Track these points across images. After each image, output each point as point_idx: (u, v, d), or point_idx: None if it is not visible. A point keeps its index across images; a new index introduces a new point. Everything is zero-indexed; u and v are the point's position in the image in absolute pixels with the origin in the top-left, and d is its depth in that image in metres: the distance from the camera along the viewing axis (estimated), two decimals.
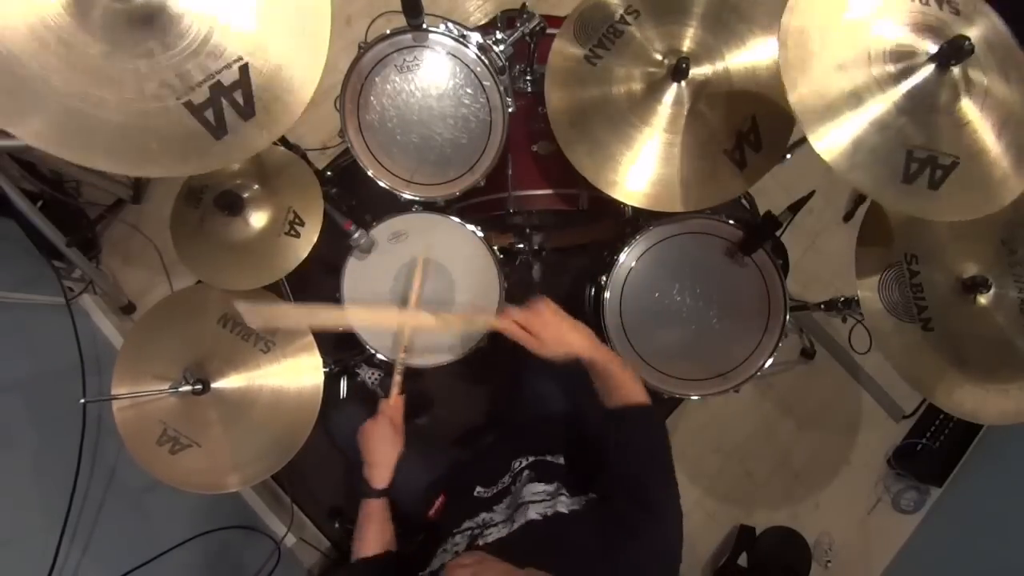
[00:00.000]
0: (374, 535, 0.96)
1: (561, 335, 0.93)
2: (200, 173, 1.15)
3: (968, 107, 0.89)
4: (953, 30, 0.88)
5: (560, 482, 0.91)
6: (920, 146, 0.88)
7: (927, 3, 0.90)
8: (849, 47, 0.88)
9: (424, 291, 1.26)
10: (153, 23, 0.79)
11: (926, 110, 0.88)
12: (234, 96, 0.82)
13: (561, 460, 0.99)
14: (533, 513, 0.85)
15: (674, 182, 1.08)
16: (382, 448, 1.00)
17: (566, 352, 0.93)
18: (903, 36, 0.89)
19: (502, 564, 0.68)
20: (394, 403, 1.07)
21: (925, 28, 0.89)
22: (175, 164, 0.83)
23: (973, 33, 0.87)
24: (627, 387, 0.91)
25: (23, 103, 0.76)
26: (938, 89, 0.88)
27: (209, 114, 0.82)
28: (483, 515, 0.92)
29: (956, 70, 0.87)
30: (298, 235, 1.15)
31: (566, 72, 1.10)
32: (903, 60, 0.88)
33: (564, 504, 0.86)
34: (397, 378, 1.11)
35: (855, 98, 0.87)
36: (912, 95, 0.88)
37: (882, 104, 0.88)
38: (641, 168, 1.08)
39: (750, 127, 1.07)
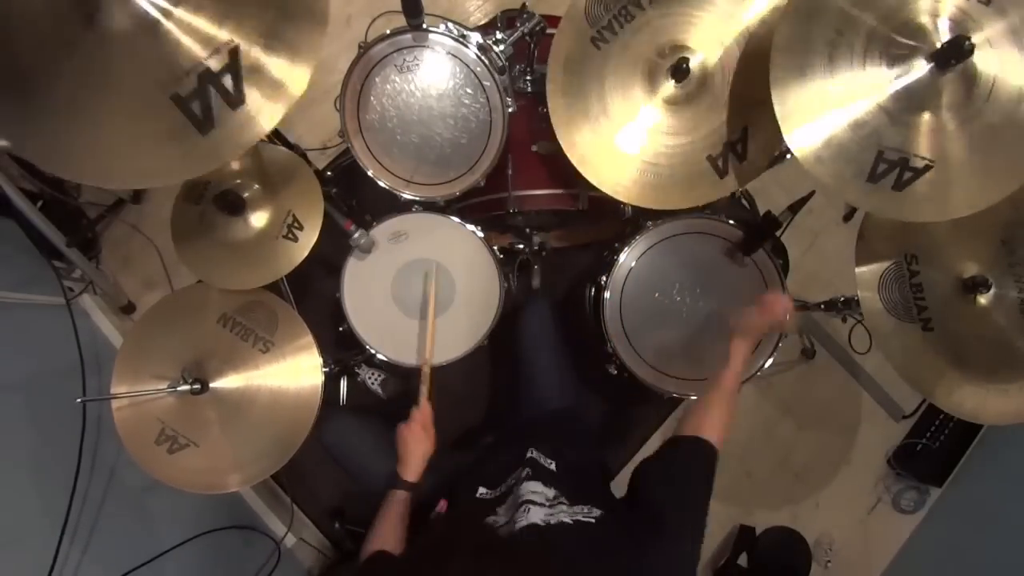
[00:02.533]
0: (393, 527, 0.98)
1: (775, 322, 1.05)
2: (189, 178, 1.12)
3: (961, 110, 0.88)
4: (977, 22, 0.86)
5: (557, 489, 0.90)
6: (894, 148, 0.87)
7: None
8: (846, 33, 0.88)
9: (425, 292, 1.27)
10: (145, 14, 0.78)
11: (913, 111, 0.87)
12: (223, 82, 0.79)
13: (553, 466, 0.99)
14: (535, 516, 0.83)
15: (656, 180, 1.08)
16: (414, 447, 1.06)
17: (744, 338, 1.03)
18: (912, 26, 0.87)
19: None
20: (423, 408, 1.11)
21: (945, 18, 0.87)
22: (163, 171, 0.80)
23: (1000, 27, 0.85)
24: (712, 420, 0.91)
25: (12, 107, 0.75)
26: (932, 90, 0.87)
27: (196, 106, 0.79)
28: (489, 519, 0.91)
29: (956, 71, 0.86)
30: (296, 239, 1.15)
31: (570, 51, 1.09)
32: (900, 56, 0.87)
33: (566, 514, 0.84)
34: (424, 387, 1.14)
35: (840, 91, 0.87)
36: (902, 94, 0.87)
37: (866, 100, 0.87)
38: (629, 161, 1.08)
39: (739, 137, 1.07)
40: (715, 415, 0.92)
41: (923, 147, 0.88)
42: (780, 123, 0.88)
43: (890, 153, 0.88)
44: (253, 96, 0.81)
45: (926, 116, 0.88)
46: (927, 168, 0.88)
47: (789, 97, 0.88)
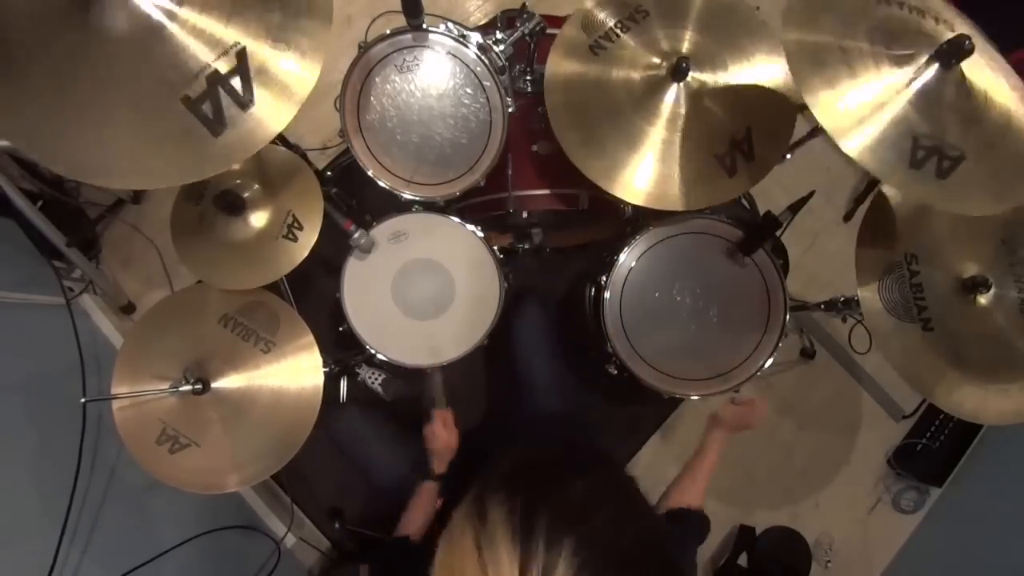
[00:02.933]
0: (422, 515, 1.07)
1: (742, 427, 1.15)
2: (200, 179, 1.13)
3: (974, 105, 0.89)
4: (939, 33, 0.89)
5: None
6: (926, 135, 0.87)
7: (904, 10, 0.92)
8: (848, 43, 0.89)
9: (424, 292, 1.27)
10: (150, 18, 0.78)
11: (936, 106, 0.88)
12: (232, 84, 0.80)
13: None
14: None
15: (663, 181, 1.08)
16: (440, 444, 1.15)
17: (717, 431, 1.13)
18: (901, 41, 0.89)
19: None
20: (445, 412, 1.20)
21: (916, 34, 0.90)
22: (174, 172, 0.81)
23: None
24: (695, 492, 1.06)
25: (18, 109, 0.75)
26: (944, 87, 0.87)
27: (207, 107, 0.79)
28: None
29: (960, 70, 0.87)
30: (295, 239, 1.15)
31: (569, 57, 1.10)
32: (907, 64, 0.88)
33: None
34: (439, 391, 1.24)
35: (876, 103, 0.88)
36: (920, 92, 0.88)
37: (897, 103, 0.88)
38: (633, 163, 1.08)
39: (744, 136, 1.07)
40: (696, 490, 1.07)
41: (953, 137, 0.88)
42: (823, 123, 0.87)
43: (924, 140, 0.87)
44: (263, 97, 0.82)
45: (949, 110, 0.88)
46: (960, 159, 0.88)
47: (824, 100, 0.88)
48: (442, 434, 1.16)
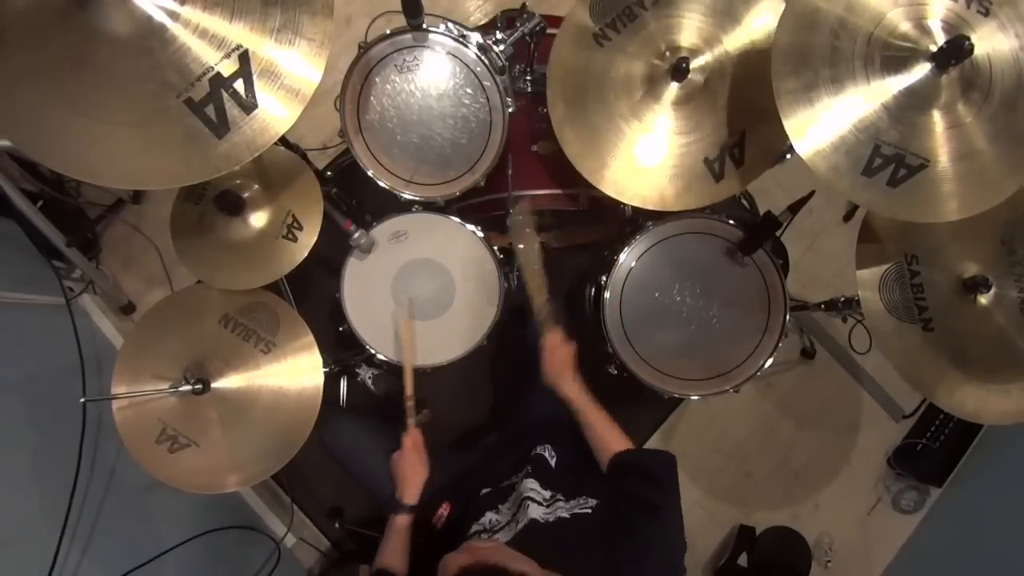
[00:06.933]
0: (398, 548, 1.01)
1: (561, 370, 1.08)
2: (204, 180, 1.12)
3: (960, 113, 0.88)
4: (972, 30, 0.86)
5: (553, 489, 0.92)
6: (890, 143, 0.87)
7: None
8: (850, 28, 0.88)
9: (425, 292, 1.27)
10: (151, 20, 0.78)
11: (912, 109, 0.87)
12: (235, 87, 0.80)
13: (554, 461, 1.00)
14: (535, 513, 0.86)
15: (653, 180, 1.08)
16: (410, 473, 1.09)
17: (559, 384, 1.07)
18: (912, 28, 0.87)
19: (517, 553, 0.68)
20: (412, 433, 1.13)
21: (943, 24, 0.88)
22: (177, 173, 0.81)
23: (995, 38, 0.86)
24: (613, 438, 1.01)
25: (19, 109, 0.75)
26: (932, 90, 0.87)
27: (210, 110, 0.80)
28: (489, 515, 0.92)
29: (956, 72, 0.86)
30: (295, 239, 1.15)
31: (574, 46, 1.09)
32: (902, 53, 0.87)
33: (564, 509, 0.86)
34: (410, 417, 1.15)
35: (838, 84, 0.87)
36: (903, 92, 0.87)
37: (865, 95, 0.87)
38: (628, 162, 1.08)
39: (737, 141, 1.07)
40: (610, 434, 1.02)
41: (919, 146, 0.88)
42: (781, 113, 0.87)
43: (886, 148, 0.87)
44: (266, 99, 0.82)
45: (924, 116, 0.88)
46: (922, 167, 0.88)
47: (792, 98, 0.88)
48: (412, 460, 1.10)
